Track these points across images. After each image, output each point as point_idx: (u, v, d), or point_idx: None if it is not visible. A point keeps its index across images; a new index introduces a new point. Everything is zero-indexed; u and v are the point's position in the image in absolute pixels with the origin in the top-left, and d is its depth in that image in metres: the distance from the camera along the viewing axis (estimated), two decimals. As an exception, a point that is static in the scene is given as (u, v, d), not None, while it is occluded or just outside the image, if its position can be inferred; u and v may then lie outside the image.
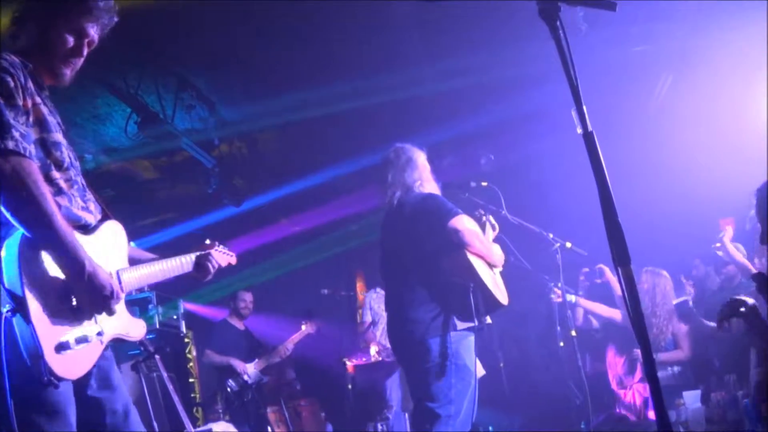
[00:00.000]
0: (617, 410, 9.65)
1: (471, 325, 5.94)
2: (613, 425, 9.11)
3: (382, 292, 9.36)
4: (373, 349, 10.09)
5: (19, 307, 3.02)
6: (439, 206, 6.09)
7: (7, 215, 3.14)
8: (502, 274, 6.61)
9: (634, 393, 9.48)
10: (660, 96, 10.75)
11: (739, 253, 9.09)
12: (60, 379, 3.12)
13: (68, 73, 3.68)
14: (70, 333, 3.22)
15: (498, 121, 10.39)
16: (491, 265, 6.34)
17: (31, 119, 3.37)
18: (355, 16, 8.33)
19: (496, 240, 6.78)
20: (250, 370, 9.95)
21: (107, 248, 3.63)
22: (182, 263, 4.23)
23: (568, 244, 7.63)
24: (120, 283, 3.64)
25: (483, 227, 6.72)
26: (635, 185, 9.73)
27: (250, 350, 10.26)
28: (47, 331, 3.10)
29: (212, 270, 4.34)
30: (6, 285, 3.04)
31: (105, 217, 3.79)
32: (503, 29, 8.51)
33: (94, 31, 3.64)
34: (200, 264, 4.31)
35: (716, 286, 9.67)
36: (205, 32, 8.09)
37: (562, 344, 8.17)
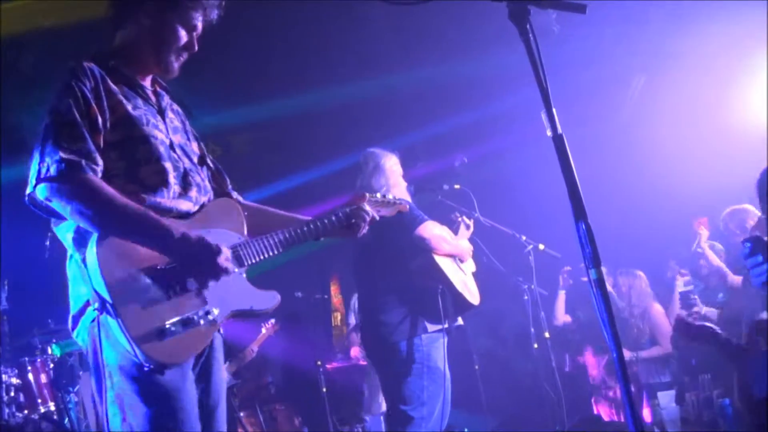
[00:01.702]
0: (595, 411, 9.69)
1: (441, 327, 5.99)
2: (588, 426, 9.13)
3: None
4: (353, 352, 10.09)
5: (106, 304, 3.04)
6: (406, 214, 6.12)
7: (80, 224, 3.18)
8: (475, 275, 6.64)
9: (614, 394, 9.52)
10: (633, 97, 10.79)
11: (716, 258, 9.14)
12: (165, 365, 3.11)
13: (177, 66, 3.67)
14: (172, 318, 3.16)
15: (472, 123, 10.41)
16: (461, 264, 6.39)
17: (106, 122, 3.33)
18: (328, 19, 8.34)
19: (470, 242, 6.81)
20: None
21: (211, 227, 3.51)
22: (326, 225, 3.97)
23: (541, 246, 7.65)
24: (240, 257, 3.53)
25: (457, 229, 6.76)
26: (609, 187, 9.75)
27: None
28: (141, 321, 3.07)
29: (365, 225, 4.14)
30: (95, 287, 3.06)
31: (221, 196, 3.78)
32: (476, 32, 8.53)
33: (200, 24, 3.62)
34: (352, 222, 4.10)
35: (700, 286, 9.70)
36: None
37: (536, 345, 8.19)
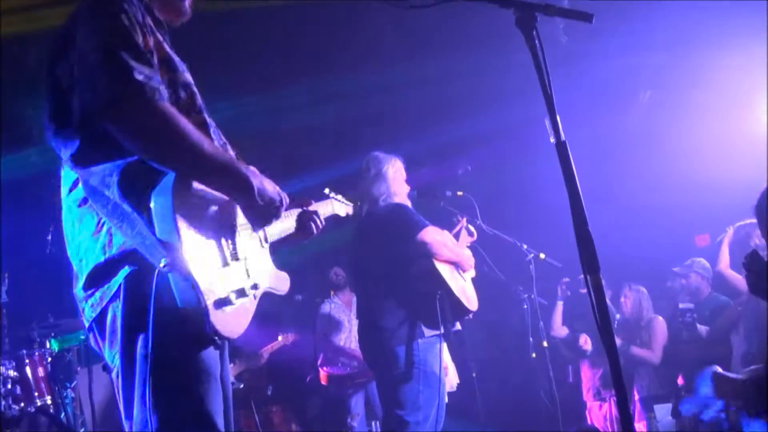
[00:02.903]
0: (589, 422, 9.70)
1: (438, 332, 6.01)
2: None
3: (339, 302, 9.42)
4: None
5: (177, 259, 2.66)
6: (407, 219, 6.18)
7: (155, 161, 2.76)
8: (475, 283, 6.66)
9: (611, 405, 9.52)
10: (639, 110, 10.81)
11: (727, 259, 9.10)
12: (222, 337, 2.80)
13: (187, 6, 3.31)
14: (228, 286, 2.87)
15: (477, 131, 10.42)
16: (461, 271, 6.41)
17: (156, 59, 2.90)
18: (333, 21, 8.35)
19: (471, 249, 6.82)
20: None
21: None
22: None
23: (542, 256, 7.67)
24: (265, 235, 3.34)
25: (458, 234, 6.78)
26: (611, 198, 9.79)
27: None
28: (207, 285, 2.73)
29: (315, 231, 3.81)
30: (159, 237, 2.68)
31: None
32: (483, 38, 8.54)
33: None
34: (301, 224, 3.76)
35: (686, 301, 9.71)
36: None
37: (534, 355, 8.21)
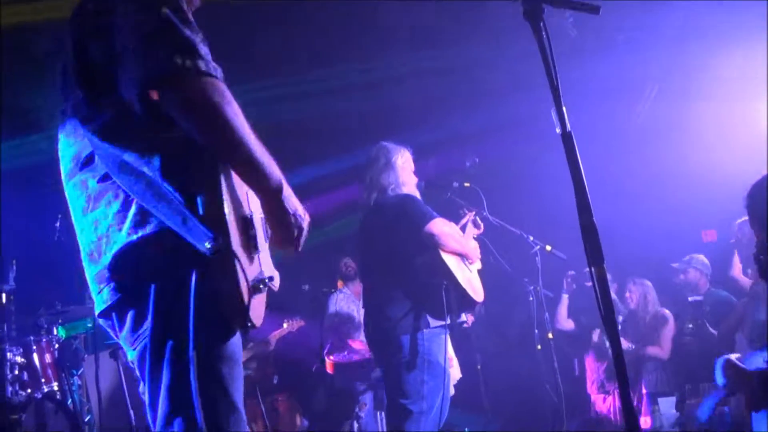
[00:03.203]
0: (593, 414, 9.71)
1: (443, 323, 6.02)
2: (588, 429, 9.15)
3: (349, 292, 9.45)
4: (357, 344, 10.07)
5: (223, 243, 2.62)
6: (415, 210, 6.17)
7: (207, 138, 2.70)
8: (481, 275, 6.66)
9: (615, 398, 9.54)
10: (646, 105, 10.80)
11: (738, 263, 9.11)
12: (254, 325, 2.76)
13: None
14: (257, 274, 2.86)
15: (484, 122, 10.43)
16: (468, 262, 6.42)
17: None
18: (336, 13, 8.36)
19: (477, 241, 6.83)
20: None
21: None
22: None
23: (548, 247, 7.67)
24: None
25: (465, 226, 6.78)
26: (618, 191, 9.79)
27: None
28: (245, 270, 2.72)
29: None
30: (206, 219, 2.63)
31: None
32: (491, 30, 8.55)
33: None
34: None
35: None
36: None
37: (539, 347, 8.22)
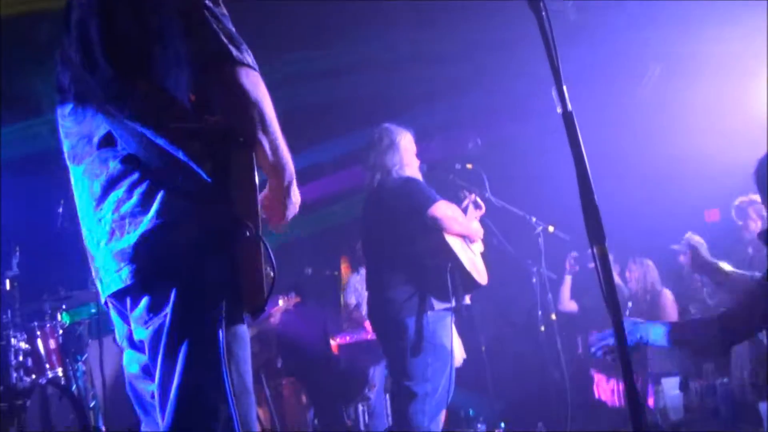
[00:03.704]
0: (596, 396, 9.73)
1: (448, 305, 6.03)
2: (591, 410, 9.16)
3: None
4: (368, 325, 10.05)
5: (256, 225, 2.75)
6: (418, 192, 6.18)
7: (239, 122, 2.78)
8: (484, 257, 6.67)
9: (618, 380, 9.54)
10: (648, 86, 10.78)
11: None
12: (263, 311, 2.84)
13: None
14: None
15: (486, 103, 10.43)
16: (470, 243, 6.43)
17: None
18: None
19: (480, 222, 6.83)
20: None
21: None
22: None
23: (551, 228, 7.66)
24: None
25: (466, 208, 6.78)
26: (620, 172, 9.78)
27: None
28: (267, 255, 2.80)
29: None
30: (239, 202, 2.76)
31: None
32: (492, 10, 8.53)
33: None
34: None
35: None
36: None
37: (543, 328, 8.23)
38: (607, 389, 9.72)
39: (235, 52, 2.71)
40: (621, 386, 9.39)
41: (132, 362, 3.04)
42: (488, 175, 7.25)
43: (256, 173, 2.78)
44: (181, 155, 2.73)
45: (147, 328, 2.77)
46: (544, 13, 2.93)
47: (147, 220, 2.72)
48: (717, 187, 9.46)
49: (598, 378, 9.88)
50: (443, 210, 6.10)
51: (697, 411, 8.07)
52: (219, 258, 2.72)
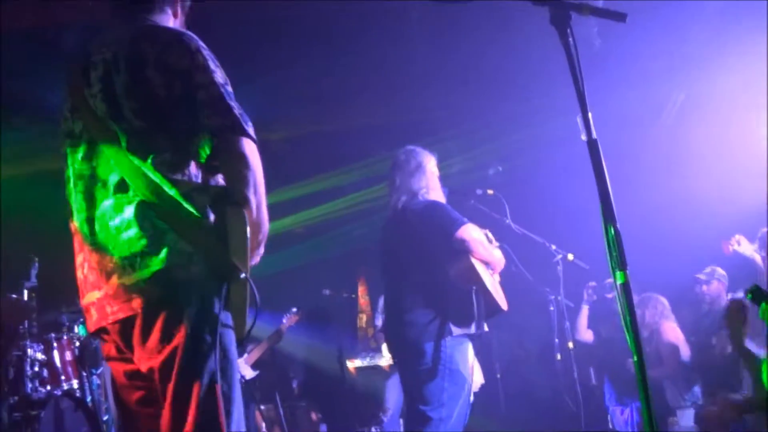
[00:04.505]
0: (610, 426, 9.68)
1: (467, 331, 6.01)
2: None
3: None
4: (386, 349, 10.02)
5: (246, 269, 3.15)
6: (446, 215, 6.14)
7: (237, 186, 3.21)
8: (501, 282, 6.65)
9: (633, 411, 9.50)
10: (671, 114, 10.77)
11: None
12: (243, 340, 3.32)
13: None
14: None
15: (507, 130, 10.44)
16: (492, 271, 6.40)
17: None
18: (359, 12, 8.38)
19: (500, 249, 6.81)
20: (242, 367, 9.84)
21: None
22: None
23: (570, 256, 7.64)
24: None
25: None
26: (642, 200, 9.76)
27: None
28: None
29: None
30: (233, 251, 3.13)
31: None
32: (514, 35, 8.54)
33: None
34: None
35: (705, 309, 9.62)
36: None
37: (559, 357, 8.19)
38: (621, 420, 9.68)
39: (246, 126, 3.23)
40: (635, 417, 9.37)
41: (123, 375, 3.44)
42: (508, 201, 7.25)
43: (248, 227, 3.15)
44: (189, 207, 3.15)
45: (159, 354, 3.12)
46: (571, 39, 2.94)
47: (158, 261, 3.11)
48: (736, 218, 9.43)
49: (613, 409, 9.84)
50: (471, 232, 6.08)
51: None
52: (218, 296, 3.12)
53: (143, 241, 3.12)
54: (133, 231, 3.14)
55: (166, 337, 3.09)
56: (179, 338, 3.07)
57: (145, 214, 3.14)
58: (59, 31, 8.05)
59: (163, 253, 3.10)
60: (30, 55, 8.28)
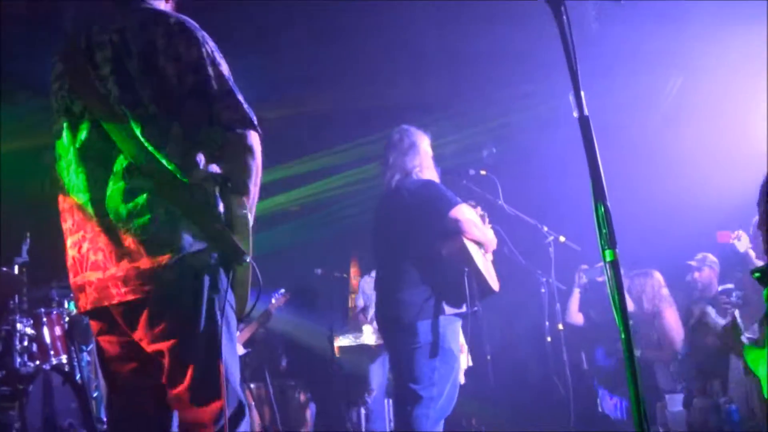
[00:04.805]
0: (600, 409, 9.69)
1: (459, 310, 6.01)
2: (594, 424, 9.12)
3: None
4: (368, 329, 10.03)
5: (250, 251, 3.33)
6: (440, 195, 6.14)
7: (237, 177, 3.35)
8: (494, 264, 6.64)
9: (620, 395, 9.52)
10: (669, 97, 10.74)
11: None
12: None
13: None
14: None
15: (502, 111, 10.42)
16: (484, 251, 6.40)
17: None
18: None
19: (493, 231, 6.81)
20: None
21: None
22: None
23: (562, 238, 7.65)
24: None
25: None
26: (636, 185, 9.75)
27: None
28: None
29: None
30: (238, 238, 3.30)
31: None
32: (511, 16, 8.51)
33: None
34: None
35: (696, 295, 9.61)
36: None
37: (549, 339, 8.20)
38: (610, 404, 9.69)
39: (254, 120, 3.36)
40: (624, 401, 9.39)
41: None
42: (501, 181, 7.23)
43: (252, 214, 3.38)
44: (200, 195, 3.24)
45: (169, 337, 3.23)
46: (564, 17, 2.93)
47: (173, 247, 3.21)
48: (733, 206, 9.41)
49: (602, 392, 9.85)
50: (464, 212, 6.08)
51: (700, 428, 8.04)
52: (227, 279, 3.30)
53: (158, 227, 3.20)
54: (148, 216, 3.20)
55: (177, 321, 3.21)
56: (191, 322, 3.20)
57: (160, 200, 3.22)
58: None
59: (177, 239, 3.20)
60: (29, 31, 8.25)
